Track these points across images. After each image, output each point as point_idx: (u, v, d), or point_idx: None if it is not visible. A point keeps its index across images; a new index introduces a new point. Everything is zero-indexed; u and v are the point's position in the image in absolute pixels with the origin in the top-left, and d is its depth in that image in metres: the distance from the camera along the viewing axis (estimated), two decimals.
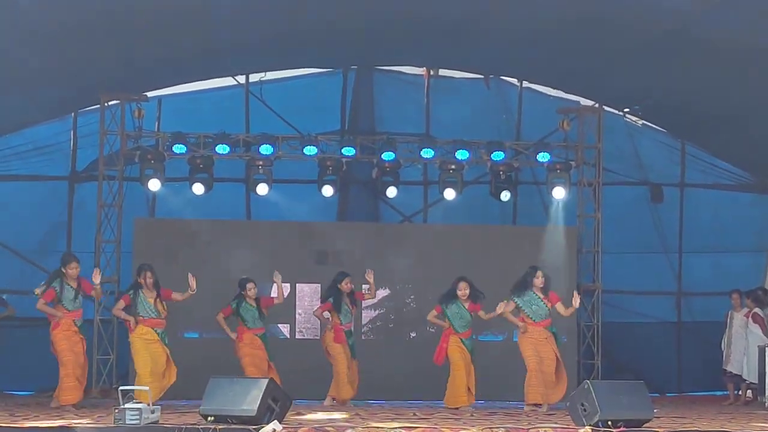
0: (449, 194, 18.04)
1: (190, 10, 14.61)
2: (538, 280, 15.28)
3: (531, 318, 15.20)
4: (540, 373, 15.03)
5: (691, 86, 16.85)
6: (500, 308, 15.27)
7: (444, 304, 15.71)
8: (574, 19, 15.03)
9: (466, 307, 15.66)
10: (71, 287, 14.41)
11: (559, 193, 18.06)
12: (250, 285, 15.83)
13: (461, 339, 15.62)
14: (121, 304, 14.85)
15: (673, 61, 15.93)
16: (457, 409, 15.13)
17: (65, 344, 14.31)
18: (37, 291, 14.51)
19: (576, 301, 15.40)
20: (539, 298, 15.23)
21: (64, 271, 14.47)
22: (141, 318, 14.66)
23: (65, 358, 14.28)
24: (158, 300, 14.77)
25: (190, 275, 15.00)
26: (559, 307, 15.34)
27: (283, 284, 16.33)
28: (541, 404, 14.96)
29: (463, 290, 15.64)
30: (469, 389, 15.55)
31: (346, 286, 16.00)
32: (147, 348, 14.66)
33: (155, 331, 14.72)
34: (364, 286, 16.40)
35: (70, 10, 13.95)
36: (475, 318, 15.80)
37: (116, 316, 15.36)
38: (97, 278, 14.66)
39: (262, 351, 15.67)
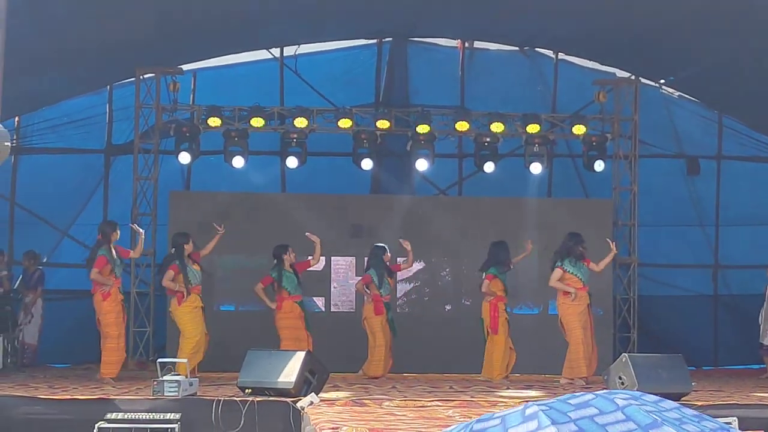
0: (486, 167, 17.99)
1: None
2: (581, 249, 15.06)
3: (583, 281, 15.01)
4: (585, 346, 14.89)
5: (729, 57, 16.72)
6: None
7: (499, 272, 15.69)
8: None
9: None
10: (115, 256, 14.39)
11: (602, 166, 17.98)
12: (290, 249, 15.73)
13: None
14: (171, 274, 14.70)
15: (710, 32, 15.82)
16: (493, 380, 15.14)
17: (113, 317, 14.27)
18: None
19: (613, 247, 15.42)
20: (578, 263, 15.05)
21: (110, 238, 14.45)
22: (191, 286, 14.66)
23: (113, 331, 14.29)
24: (196, 264, 14.81)
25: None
26: (592, 266, 15.17)
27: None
28: (573, 379, 14.85)
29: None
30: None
31: (386, 257, 16.02)
32: (196, 316, 14.65)
33: (199, 296, 14.76)
34: (399, 258, 16.39)
35: None
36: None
37: (167, 287, 15.07)
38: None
39: (302, 320, 15.61)
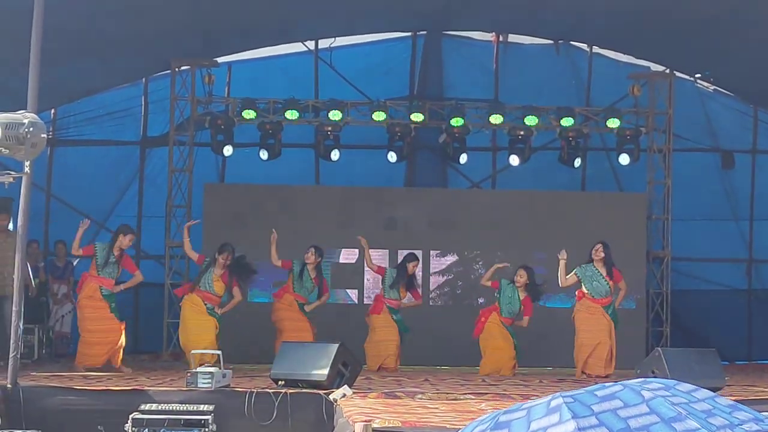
0: (513, 161, 18.02)
1: None
2: (597, 253, 14.89)
3: (590, 294, 14.95)
4: (586, 348, 14.83)
5: (765, 51, 16.63)
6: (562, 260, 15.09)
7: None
8: None
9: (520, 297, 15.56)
10: (110, 258, 14.30)
11: (627, 159, 17.96)
12: (313, 252, 15.67)
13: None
14: (195, 255, 14.92)
15: (746, 26, 15.74)
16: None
17: (86, 312, 14.35)
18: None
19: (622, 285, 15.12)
20: (600, 274, 14.93)
21: (115, 239, 14.35)
22: (198, 288, 14.66)
23: (86, 325, 14.34)
24: (221, 280, 14.70)
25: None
26: (622, 284, 14.99)
27: (352, 249, 16.35)
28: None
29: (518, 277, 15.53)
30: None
31: (411, 267, 16.00)
32: (192, 317, 14.58)
33: (205, 303, 14.68)
34: (433, 251, 16.37)
35: None
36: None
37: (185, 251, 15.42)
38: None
39: (299, 311, 15.59)
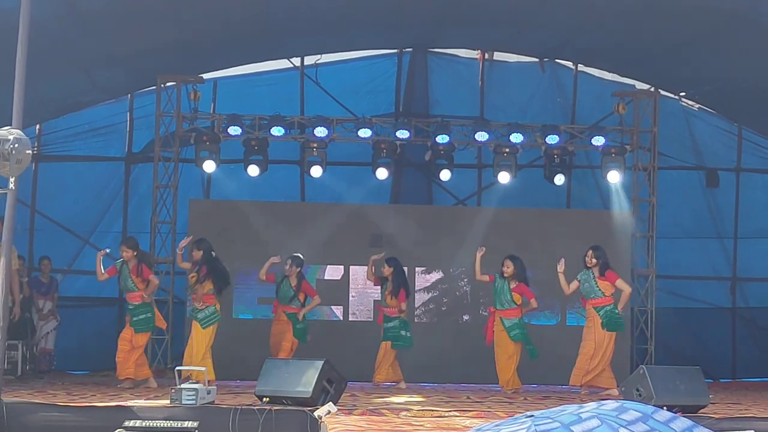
0: (503, 177, 18.03)
1: None
2: (590, 260, 14.92)
3: (584, 296, 15.04)
4: (583, 356, 14.89)
5: (749, 70, 16.70)
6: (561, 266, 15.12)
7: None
8: (630, 3, 14.95)
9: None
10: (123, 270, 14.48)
11: (613, 177, 18.01)
12: (290, 263, 15.76)
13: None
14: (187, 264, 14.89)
15: (730, 44, 15.80)
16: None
17: None
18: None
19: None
20: (593, 276, 14.95)
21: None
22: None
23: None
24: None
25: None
26: (619, 284, 14.90)
27: (337, 266, 16.34)
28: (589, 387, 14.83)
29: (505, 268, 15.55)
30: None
31: (386, 271, 16.02)
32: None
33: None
34: (418, 268, 16.38)
35: None
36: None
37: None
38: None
39: (289, 330, 15.65)
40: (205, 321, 14.38)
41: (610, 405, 3.27)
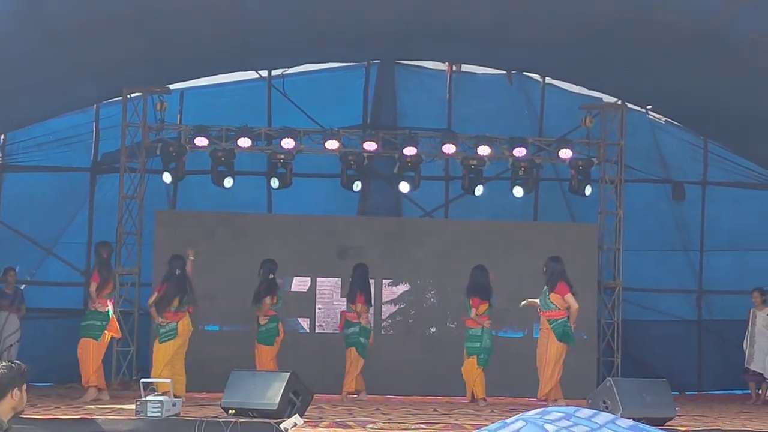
0: (479, 191, 17.99)
1: (216, 4, 14.60)
2: (543, 270, 14.88)
3: (539, 306, 14.90)
4: (540, 369, 14.81)
5: (715, 84, 16.75)
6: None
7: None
8: (598, 18, 14.98)
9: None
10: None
11: (590, 190, 18.03)
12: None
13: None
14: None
15: (697, 59, 15.83)
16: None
17: None
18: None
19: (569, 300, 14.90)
20: (545, 289, 14.80)
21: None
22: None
23: None
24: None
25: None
26: (568, 298, 14.61)
27: (304, 278, 16.29)
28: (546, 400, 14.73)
29: None
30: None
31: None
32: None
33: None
34: (385, 280, 16.35)
35: (95, 4, 13.96)
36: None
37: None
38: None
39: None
40: (163, 336, 14.34)
41: (534, 411, 3.34)
